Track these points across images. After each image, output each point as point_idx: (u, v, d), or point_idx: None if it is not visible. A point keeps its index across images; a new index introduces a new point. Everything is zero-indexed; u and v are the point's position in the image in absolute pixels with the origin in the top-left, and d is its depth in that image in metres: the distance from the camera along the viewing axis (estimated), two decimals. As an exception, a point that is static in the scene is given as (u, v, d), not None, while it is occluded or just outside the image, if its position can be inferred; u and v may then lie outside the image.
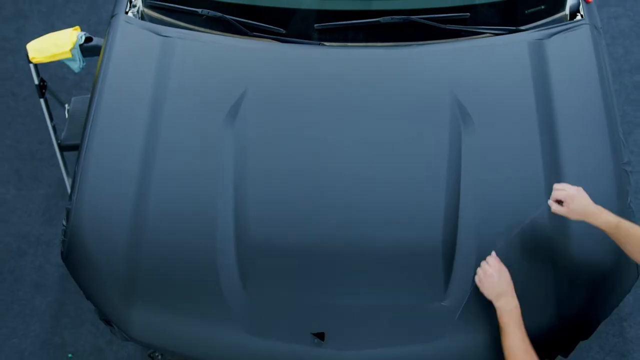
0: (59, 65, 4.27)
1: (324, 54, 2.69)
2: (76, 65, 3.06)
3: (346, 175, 2.41)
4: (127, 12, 2.89)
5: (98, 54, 2.98)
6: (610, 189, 2.41)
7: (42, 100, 3.24)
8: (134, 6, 2.93)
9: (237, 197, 2.40)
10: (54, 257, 3.54)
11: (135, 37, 2.78)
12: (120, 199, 2.43)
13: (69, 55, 3.00)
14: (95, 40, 3.04)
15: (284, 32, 2.75)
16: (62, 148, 3.40)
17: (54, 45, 3.00)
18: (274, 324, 2.24)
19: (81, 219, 2.44)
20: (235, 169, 2.45)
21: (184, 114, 2.57)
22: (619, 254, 2.34)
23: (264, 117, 2.54)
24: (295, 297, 2.26)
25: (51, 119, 3.34)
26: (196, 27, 2.80)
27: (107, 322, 2.48)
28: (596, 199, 2.38)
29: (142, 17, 2.90)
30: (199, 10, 2.78)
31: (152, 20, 2.87)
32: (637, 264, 2.38)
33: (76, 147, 3.35)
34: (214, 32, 2.78)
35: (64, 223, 2.48)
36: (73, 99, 3.52)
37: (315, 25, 2.74)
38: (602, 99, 2.57)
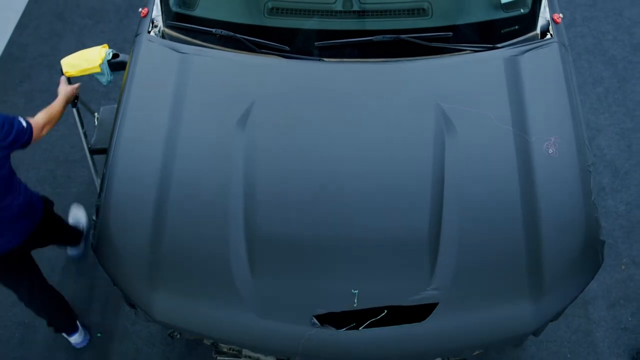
0: (89, 79, 4.27)
1: (324, 68, 2.68)
2: (104, 79, 3.05)
3: (343, 175, 2.41)
4: (149, 32, 2.88)
5: (124, 69, 2.97)
6: (577, 187, 2.40)
7: (74, 110, 3.23)
8: (156, 26, 2.93)
9: (246, 195, 2.40)
10: (84, 249, 3.53)
11: (156, 53, 2.78)
12: (143, 197, 2.43)
13: (98, 70, 2.99)
14: (122, 57, 3.03)
15: (288, 49, 2.75)
16: (92, 151, 3.39)
17: (84, 61, 2.99)
18: (279, 307, 2.24)
19: (109, 215, 2.43)
20: (245, 170, 2.45)
21: (200, 121, 2.57)
22: (585, 244, 2.34)
23: (271, 124, 2.54)
24: (298, 283, 2.26)
25: (82, 126, 3.33)
26: (210, 45, 2.80)
27: (132, 305, 2.48)
28: (564, 197, 2.38)
29: (163, 36, 2.89)
30: (213, 30, 2.78)
31: (172, 39, 2.86)
32: (601, 254, 2.38)
33: (104, 151, 3.31)
34: (226, 49, 2.77)
35: (94, 218, 2.48)
36: (101, 108, 3.50)
37: (316, 43, 2.74)
38: (569, 107, 2.57)
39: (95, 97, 4.25)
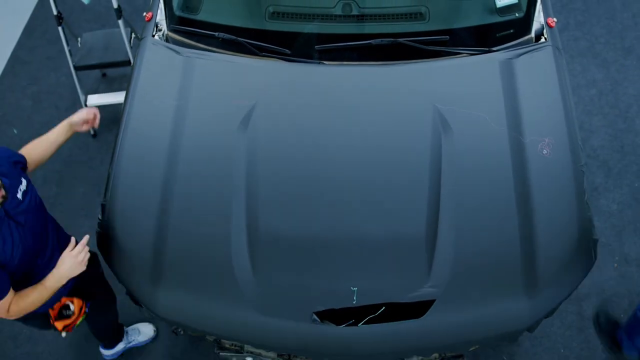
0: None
1: (324, 71, 2.69)
2: None
3: (343, 175, 2.41)
4: (153, 35, 2.89)
5: None
6: (570, 187, 2.41)
7: (60, 28, 3.60)
8: (160, 30, 2.93)
9: (248, 195, 2.40)
10: (90, 246, 3.52)
11: (160, 56, 2.78)
12: (147, 197, 2.43)
13: None
14: None
15: (289, 52, 2.75)
16: (76, 68, 3.84)
17: None
18: (279, 304, 2.24)
19: (114, 213, 2.44)
20: (247, 170, 2.45)
21: (203, 122, 2.57)
22: (578, 243, 2.34)
23: (272, 125, 2.54)
24: (298, 281, 2.26)
25: (67, 44, 3.75)
26: (213, 48, 2.80)
27: (137, 302, 2.48)
28: (558, 197, 2.39)
29: (167, 39, 2.90)
30: (216, 33, 2.78)
31: (175, 42, 2.86)
32: (594, 252, 2.38)
33: (86, 68, 3.81)
34: (228, 52, 2.78)
35: (99, 217, 2.48)
36: (84, 34, 3.93)
37: (316, 46, 2.74)
38: (563, 109, 2.57)
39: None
